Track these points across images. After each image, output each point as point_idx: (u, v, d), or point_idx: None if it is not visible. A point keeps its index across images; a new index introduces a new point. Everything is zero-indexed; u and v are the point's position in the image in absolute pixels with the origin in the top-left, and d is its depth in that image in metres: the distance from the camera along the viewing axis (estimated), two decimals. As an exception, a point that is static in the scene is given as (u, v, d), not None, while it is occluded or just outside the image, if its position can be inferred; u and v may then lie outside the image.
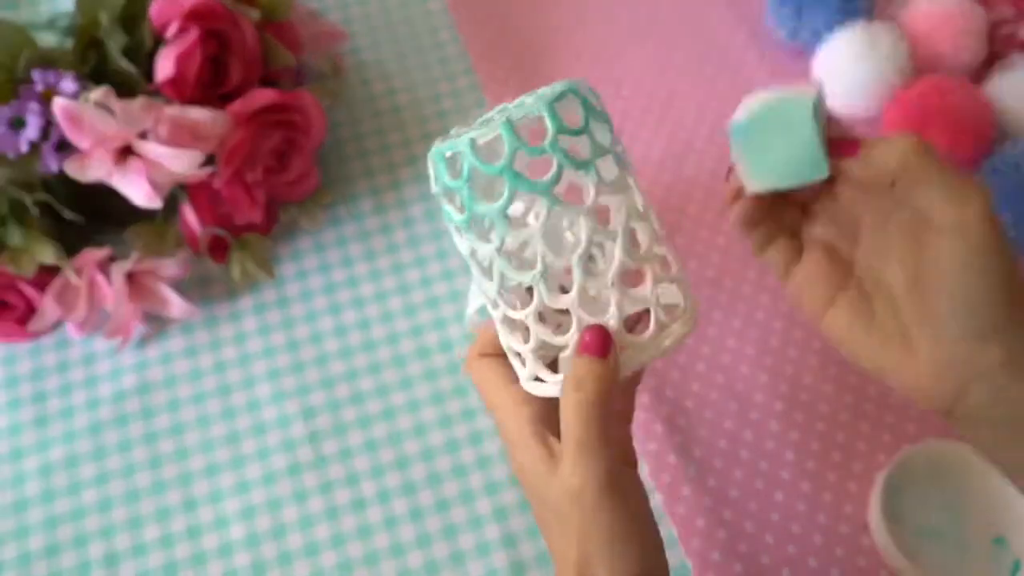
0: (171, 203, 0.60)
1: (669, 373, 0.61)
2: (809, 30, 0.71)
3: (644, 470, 0.58)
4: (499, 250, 0.38)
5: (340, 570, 0.56)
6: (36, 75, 0.56)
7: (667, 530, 0.56)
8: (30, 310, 0.61)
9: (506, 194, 0.37)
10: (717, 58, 0.75)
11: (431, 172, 0.39)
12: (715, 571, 0.55)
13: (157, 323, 0.64)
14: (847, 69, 0.68)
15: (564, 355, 0.39)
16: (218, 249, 0.63)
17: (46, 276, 0.60)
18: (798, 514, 0.57)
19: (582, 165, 0.38)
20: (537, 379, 0.40)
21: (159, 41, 0.59)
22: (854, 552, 0.56)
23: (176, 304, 0.62)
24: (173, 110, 0.57)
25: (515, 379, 0.42)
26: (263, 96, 0.60)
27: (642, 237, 0.40)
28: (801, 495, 0.57)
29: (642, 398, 0.60)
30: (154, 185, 0.55)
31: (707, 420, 0.60)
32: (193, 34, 0.58)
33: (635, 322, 0.42)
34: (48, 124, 0.56)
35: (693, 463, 0.58)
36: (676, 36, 0.76)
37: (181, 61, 0.58)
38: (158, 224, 0.61)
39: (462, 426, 0.60)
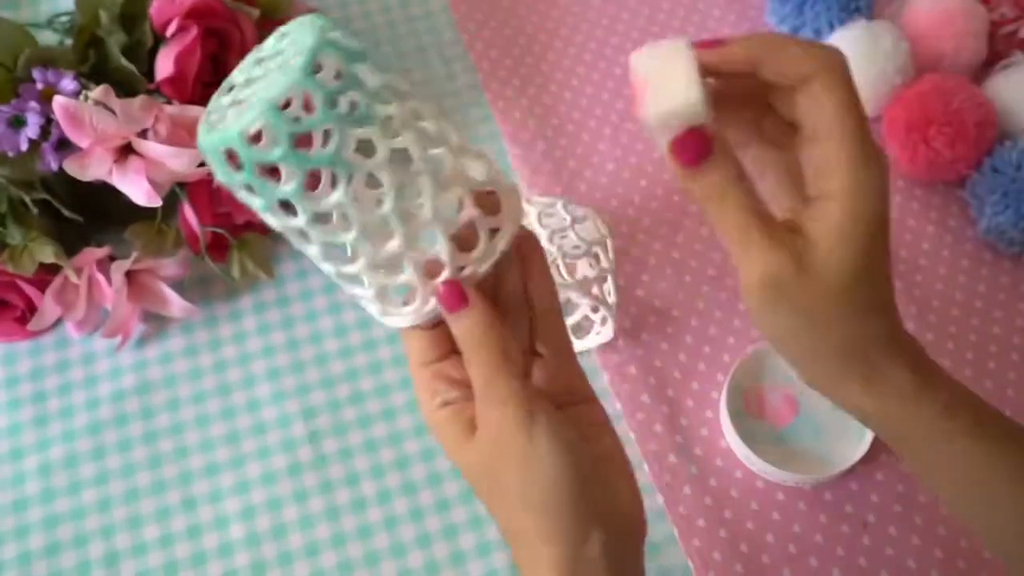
0: (171, 202, 0.60)
1: (670, 372, 0.61)
2: (810, 29, 0.71)
3: (645, 470, 0.58)
4: (311, 222, 0.37)
5: (340, 570, 0.56)
6: (36, 74, 0.56)
7: (668, 529, 0.56)
8: (30, 309, 0.61)
9: (295, 179, 0.35)
10: (718, 57, 0.75)
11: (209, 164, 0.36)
12: (716, 570, 0.55)
13: (157, 322, 0.64)
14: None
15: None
16: (218, 248, 0.63)
17: (46, 275, 0.60)
18: (799, 513, 0.57)
19: (362, 119, 0.35)
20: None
21: (159, 40, 0.59)
22: (855, 551, 0.56)
23: (176, 303, 0.62)
24: (173, 109, 0.57)
25: (437, 357, 0.41)
26: (263, 95, 0.60)
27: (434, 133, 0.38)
28: (802, 495, 0.57)
29: (642, 397, 0.60)
30: (154, 184, 0.55)
31: (708, 419, 0.60)
32: (193, 33, 0.58)
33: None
34: (48, 123, 0.56)
35: (694, 462, 0.58)
36: (677, 35, 0.76)
37: (181, 60, 0.58)
38: (158, 223, 0.61)
39: (462, 425, 0.60)
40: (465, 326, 0.38)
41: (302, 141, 0.35)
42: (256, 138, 0.35)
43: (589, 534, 0.37)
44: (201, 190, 0.61)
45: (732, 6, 0.77)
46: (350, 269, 0.39)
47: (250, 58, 0.39)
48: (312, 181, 0.38)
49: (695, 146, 0.37)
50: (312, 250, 0.39)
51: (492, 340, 0.38)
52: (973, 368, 0.61)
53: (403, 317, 0.40)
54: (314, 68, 0.35)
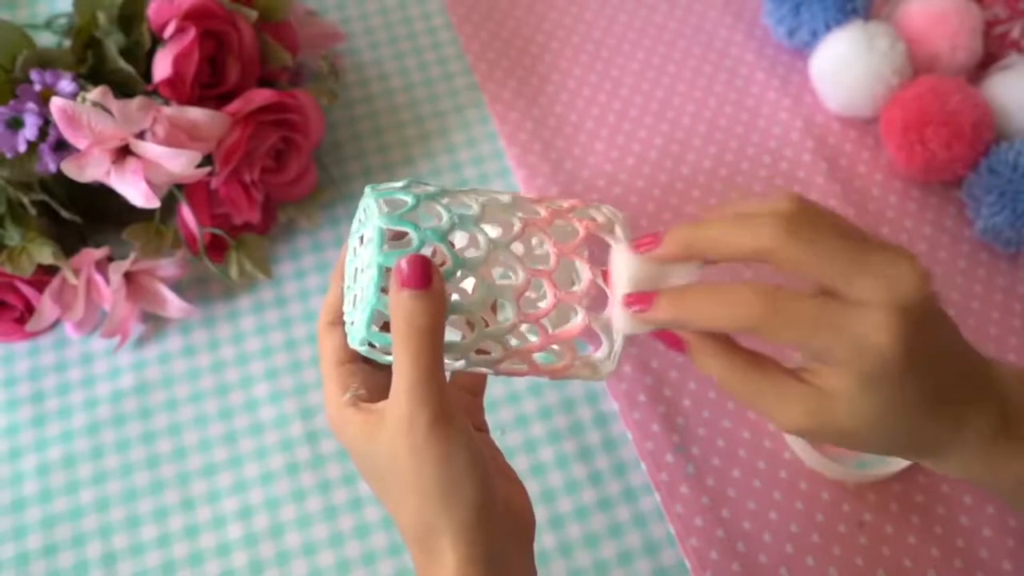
0: (169, 203, 0.60)
1: (667, 372, 0.61)
2: (807, 30, 0.71)
3: (642, 469, 0.58)
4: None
5: (338, 569, 0.56)
6: (34, 75, 0.56)
7: (665, 529, 0.56)
8: (28, 310, 0.61)
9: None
10: (715, 58, 0.75)
11: (373, 238, 0.38)
12: (713, 570, 0.55)
13: (155, 323, 0.64)
14: (844, 69, 0.68)
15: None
16: (216, 249, 0.63)
17: (44, 276, 0.60)
18: (796, 513, 0.57)
19: (457, 267, 0.38)
20: (371, 346, 0.39)
21: (157, 41, 0.59)
22: (852, 551, 0.56)
23: (174, 304, 0.62)
24: (171, 110, 0.57)
25: (351, 358, 0.41)
26: (261, 96, 0.60)
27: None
28: (799, 494, 0.57)
29: (639, 396, 0.60)
30: (152, 185, 0.55)
31: (705, 419, 0.60)
32: (191, 34, 0.58)
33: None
34: (46, 124, 0.56)
35: (691, 462, 0.58)
36: (674, 36, 0.76)
37: (179, 61, 0.58)
38: (156, 224, 0.61)
39: (460, 425, 0.60)
40: (414, 309, 0.35)
41: None
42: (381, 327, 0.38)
43: (496, 534, 0.38)
44: (199, 191, 0.61)
45: (729, 7, 0.77)
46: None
47: (352, 239, 0.42)
48: None
49: (670, 339, 0.39)
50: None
51: (437, 335, 0.36)
52: (969, 368, 0.61)
53: (608, 362, 0.41)
54: (387, 241, 0.37)
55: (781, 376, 0.37)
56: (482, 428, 0.45)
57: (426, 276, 0.35)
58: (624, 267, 0.38)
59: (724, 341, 0.38)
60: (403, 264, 0.36)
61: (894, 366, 0.34)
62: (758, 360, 0.37)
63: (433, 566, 0.37)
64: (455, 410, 0.37)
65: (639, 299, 0.37)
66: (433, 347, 0.36)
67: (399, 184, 0.40)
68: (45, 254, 0.58)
